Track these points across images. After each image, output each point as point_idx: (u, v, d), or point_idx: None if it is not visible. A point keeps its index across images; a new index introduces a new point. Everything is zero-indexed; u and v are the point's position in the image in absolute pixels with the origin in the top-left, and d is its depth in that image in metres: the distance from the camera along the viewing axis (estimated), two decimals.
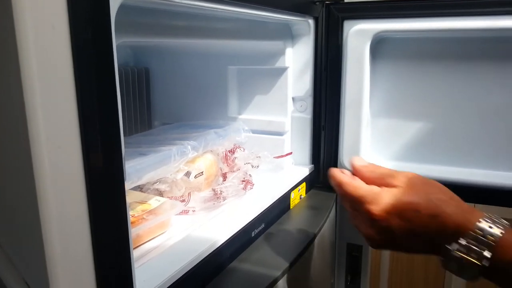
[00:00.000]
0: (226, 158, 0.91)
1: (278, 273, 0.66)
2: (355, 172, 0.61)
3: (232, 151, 0.91)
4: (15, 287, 0.43)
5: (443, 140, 0.95)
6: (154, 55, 1.12)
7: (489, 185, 0.89)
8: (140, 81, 1.08)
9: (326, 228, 0.94)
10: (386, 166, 0.98)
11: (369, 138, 0.99)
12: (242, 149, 0.93)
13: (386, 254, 1.89)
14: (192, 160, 0.88)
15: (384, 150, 1.00)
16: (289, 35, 0.98)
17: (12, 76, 0.35)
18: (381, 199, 0.53)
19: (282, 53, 0.98)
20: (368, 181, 0.59)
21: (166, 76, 1.12)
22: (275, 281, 0.65)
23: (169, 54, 1.10)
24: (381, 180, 0.57)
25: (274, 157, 0.98)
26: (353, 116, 0.96)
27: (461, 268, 0.49)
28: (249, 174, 0.89)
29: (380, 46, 0.95)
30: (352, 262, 1.22)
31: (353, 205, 0.57)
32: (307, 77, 0.99)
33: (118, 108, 0.41)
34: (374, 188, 0.56)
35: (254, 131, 0.98)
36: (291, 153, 1.03)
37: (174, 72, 1.11)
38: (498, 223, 0.50)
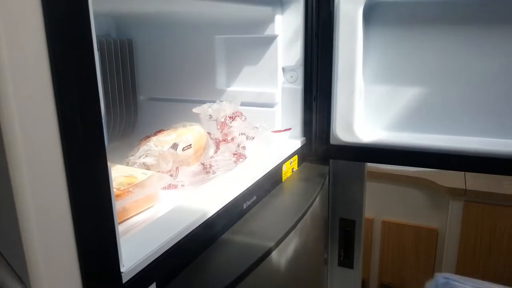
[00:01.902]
0: (224, 124, 0.87)
1: (271, 244, 0.63)
2: None
3: (232, 118, 0.87)
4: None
5: (437, 108, 0.93)
6: (138, 25, 1.07)
7: (484, 152, 0.87)
8: (123, 53, 1.03)
9: (318, 202, 0.92)
10: (380, 136, 0.97)
11: (362, 108, 0.97)
12: (243, 117, 0.89)
13: (377, 229, 1.89)
14: (180, 132, 0.85)
15: (377, 119, 0.97)
16: (278, 0, 0.94)
17: None
18: None
19: (271, 20, 0.94)
20: None
21: (151, 48, 1.08)
22: (269, 251, 0.62)
23: (154, 24, 1.05)
24: None
25: (272, 131, 0.95)
26: (346, 85, 0.93)
27: None
28: (243, 146, 0.85)
29: (372, 11, 0.92)
30: (345, 237, 1.21)
31: None
32: (297, 46, 0.95)
33: (95, 55, 0.38)
34: None
35: (243, 104, 0.95)
36: (289, 129, 0.99)
37: (159, 44, 1.06)
38: None
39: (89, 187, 0.39)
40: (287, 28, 0.95)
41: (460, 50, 0.88)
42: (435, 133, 0.94)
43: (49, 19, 0.34)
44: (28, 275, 0.35)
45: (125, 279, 0.46)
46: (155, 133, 0.86)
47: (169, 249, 0.54)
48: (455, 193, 1.67)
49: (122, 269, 0.46)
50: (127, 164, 0.80)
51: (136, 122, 1.12)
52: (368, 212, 1.59)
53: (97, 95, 0.39)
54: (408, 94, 0.93)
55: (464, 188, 1.65)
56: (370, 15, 0.92)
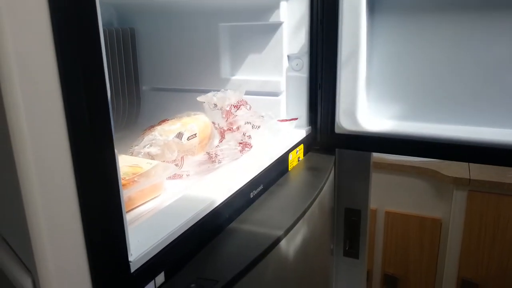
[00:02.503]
0: (229, 113, 0.85)
1: (280, 232, 0.62)
2: None
3: (237, 106, 0.86)
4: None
5: (442, 97, 0.91)
6: (140, 14, 1.05)
7: (492, 143, 0.86)
8: (126, 43, 1.01)
9: (325, 191, 0.91)
10: (385, 126, 0.95)
11: (366, 97, 0.95)
12: (248, 106, 0.88)
13: (380, 219, 1.88)
14: (185, 122, 0.83)
15: (382, 109, 0.96)
16: None
17: None
18: None
19: (276, 7, 0.92)
20: None
21: (154, 37, 1.06)
22: (278, 240, 0.61)
23: (156, 13, 1.03)
24: None
25: (278, 120, 0.94)
26: (350, 73, 0.91)
27: None
28: (248, 136, 0.84)
29: None
30: (350, 227, 1.20)
31: None
32: (302, 33, 0.94)
33: (102, 49, 0.36)
34: None
35: (248, 93, 0.93)
36: (296, 118, 0.98)
37: (162, 33, 1.04)
38: None
39: (97, 175, 0.38)
40: (292, 15, 0.93)
41: (467, 38, 0.87)
42: (440, 122, 0.92)
43: (55, 7, 0.33)
44: (35, 265, 0.34)
45: (133, 268, 0.45)
46: (159, 123, 0.84)
47: (177, 238, 0.53)
48: (459, 183, 1.66)
49: (130, 258, 0.45)
50: (131, 154, 0.79)
51: (139, 113, 1.11)
52: (372, 202, 1.59)
53: (104, 82, 0.38)
54: (413, 83, 0.92)
55: (468, 178, 1.64)
56: (374, 3, 0.90)
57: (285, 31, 0.94)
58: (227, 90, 0.88)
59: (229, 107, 0.86)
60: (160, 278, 0.49)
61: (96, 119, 0.37)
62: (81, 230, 0.38)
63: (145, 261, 0.47)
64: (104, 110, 0.38)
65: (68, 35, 0.34)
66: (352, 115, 0.93)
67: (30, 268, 0.34)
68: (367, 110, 0.96)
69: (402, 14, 0.90)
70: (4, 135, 0.31)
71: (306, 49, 0.94)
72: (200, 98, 0.89)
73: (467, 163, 1.74)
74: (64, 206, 0.36)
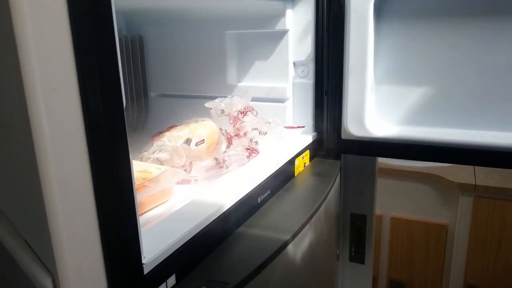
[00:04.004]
0: (236, 119, 0.87)
1: (288, 237, 0.63)
2: None
3: (244, 113, 0.87)
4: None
5: (449, 101, 0.92)
6: (148, 22, 1.07)
7: (498, 146, 0.87)
8: (134, 50, 1.03)
9: (331, 196, 0.92)
10: (392, 131, 0.96)
11: (373, 102, 0.96)
12: (254, 112, 0.89)
13: (386, 225, 1.88)
14: (193, 128, 0.85)
15: (389, 114, 0.97)
16: None
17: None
18: None
19: (282, 14, 0.93)
20: None
21: (162, 44, 1.08)
22: (285, 244, 0.62)
23: (164, 20, 1.05)
24: None
25: (285, 127, 0.95)
26: (357, 80, 0.92)
27: None
28: (255, 141, 0.85)
29: (383, 5, 0.91)
30: (356, 232, 1.21)
31: None
32: (308, 40, 0.95)
33: (118, 56, 0.38)
34: None
35: (254, 99, 0.95)
36: (303, 126, 0.99)
37: (169, 40, 1.06)
38: None
39: (113, 180, 0.40)
40: (298, 23, 0.95)
41: (472, 44, 0.88)
42: (446, 127, 0.93)
43: (74, 14, 0.34)
44: (55, 265, 0.35)
45: (146, 270, 0.46)
46: (168, 129, 0.86)
47: (187, 241, 0.54)
48: (465, 188, 1.66)
49: (144, 261, 0.46)
50: (141, 160, 0.81)
51: (147, 119, 1.12)
52: (377, 208, 1.59)
53: (119, 86, 0.39)
54: (421, 88, 0.93)
55: (474, 183, 1.64)
56: (381, 9, 0.91)
57: (291, 38, 0.96)
58: (233, 96, 0.90)
59: (236, 113, 0.88)
60: (172, 280, 0.50)
61: (112, 124, 0.39)
62: (98, 234, 0.39)
63: (157, 263, 0.48)
64: (119, 116, 0.39)
65: (87, 44, 0.35)
66: (360, 120, 0.94)
67: (50, 268, 0.36)
68: (374, 115, 0.97)
69: (409, 20, 0.91)
70: (27, 141, 0.33)
71: (312, 56, 0.96)
72: (207, 104, 0.90)
73: (473, 168, 1.74)
74: (83, 211, 0.37)
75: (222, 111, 0.89)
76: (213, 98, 0.90)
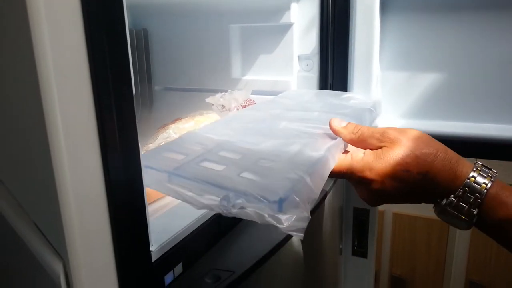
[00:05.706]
0: None
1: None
2: (334, 134, 0.58)
3: (245, 106, 0.87)
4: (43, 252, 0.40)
5: (455, 95, 0.92)
6: (153, 15, 1.07)
7: (503, 139, 0.87)
8: (139, 44, 1.03)
9: (334, 191, 0.92)
10: (398, 124, 0.97)
11: (378, 95, 0.97)
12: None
13: (388, 221, 1.89)
14: (198, 120, 0.85)
15: (394, 108, 0.97)
16: None
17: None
18: (370, 164, 0.51)
19: (286, 8, 0.94)
20: (349, 142, 0.56)
21: (166, 38, 1.08)
22: (289, 235, 0.62)
23: (169, 14, 1.06)
24: (363, 142, 0.55)
25: None
26: (363, 73, 0.93)
27: (452, 220, 0.52)
28: None
29: None
30: (359, 226, 1.21)
31: (344, 175, 0.55)
32: (313, 34, 0.95)
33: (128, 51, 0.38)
34: (359, 155, 0.53)
35: (259, 92, 0.95)
36: None
37: (174, 34, 1.07)
38: (485, 176, 0.50)
39: (123, 169, 0.40)
40: (303, 16, 0.95)
41: (480, 36, 0.88)
42: (450, 120, 0.94)
43: (87, 10, 0.35)
44: (66, 250, 0.35)
45: (154, 258, 0.47)
46: (173, 121, 0.86)
47: (194, 231, 0.54)
48: None
49: (152, 249, 0.46)
50: (146, 151, 0.81)
51: (151, 112, 1.13)
52: None
53: (129, 80, 0.40)
54: (426, 81, 0.93)
55: None
56: (386, 1, 0.91)
57: (296, 32, 0.96)
58: (234, 90, 0.90)
59: (236, 108, 0.88)
60: (179, 269, 0.51)
61: (123, 113, 0.39)
62: (108, 221, 0.39)
63: (164, 251, 0.48)
64: (129, 105, 0.40)
65: (99, 38, 0.36)
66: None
67: (61, 253, 0.36)
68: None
69: (413, 12, 0.91)
70: (39, 125, 0.33)
71: (316, 50, 0.96)
72: (208, 100, 0.90)
73: None
74: (94, 197, 0.37)
75: (223, 106, 0.90)
76: (217, 91, 0.91)
